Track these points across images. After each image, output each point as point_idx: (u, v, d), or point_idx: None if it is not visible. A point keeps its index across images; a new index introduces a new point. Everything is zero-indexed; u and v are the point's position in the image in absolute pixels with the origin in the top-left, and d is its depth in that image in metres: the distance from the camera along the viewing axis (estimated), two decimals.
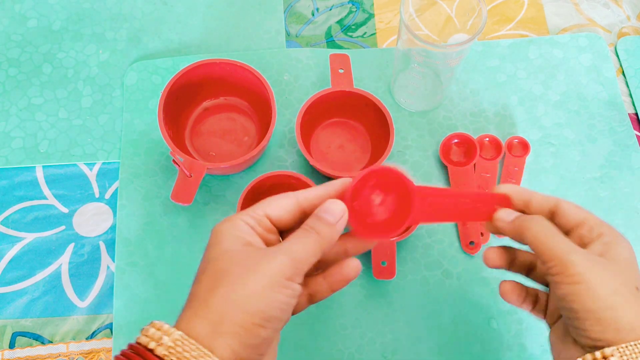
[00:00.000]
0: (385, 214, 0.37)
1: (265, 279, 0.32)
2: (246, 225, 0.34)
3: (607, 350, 0.32)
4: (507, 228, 0.38)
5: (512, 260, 0.41)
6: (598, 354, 0.32)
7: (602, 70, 0.64)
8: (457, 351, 0.53)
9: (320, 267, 0.38)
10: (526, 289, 0.41)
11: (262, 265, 0.32)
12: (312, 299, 0.38)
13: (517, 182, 0.58)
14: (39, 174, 0.59)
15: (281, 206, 0.35)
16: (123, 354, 0.32)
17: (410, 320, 0.54)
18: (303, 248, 0.33)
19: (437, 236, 0.56)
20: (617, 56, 0.65)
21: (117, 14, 0.66)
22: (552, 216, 0.37)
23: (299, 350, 0.53)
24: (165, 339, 0.32)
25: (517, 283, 0.40)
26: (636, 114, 0.62)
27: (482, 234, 0.56)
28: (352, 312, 0.54)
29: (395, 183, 0.37)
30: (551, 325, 0.39)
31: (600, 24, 0.67)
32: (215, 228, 0.35)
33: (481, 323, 0.54)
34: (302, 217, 0.36)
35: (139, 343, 0.32)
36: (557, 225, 0.37)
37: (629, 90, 0.63)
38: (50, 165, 0.59)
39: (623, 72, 0.64)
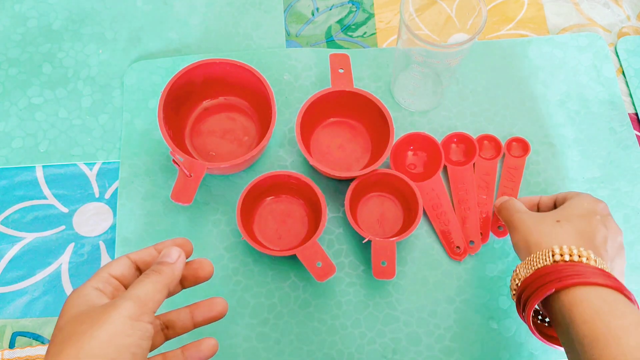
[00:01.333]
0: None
1: (111, 327, 0.32)
2: (95, 290, 0.36)
3: (517, 266, 0.45)
4: (496, 211, 0.53)
5: None
6: (513, 272, 0.45)
7: (602, 70, 0.64)
8: (457, 351, 0.53)
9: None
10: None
11: (106, 315, 0.33)
12: (169, 334, 0.41)
13: (517, 183, 0.58)
14: (39, 174, 0.59)
15: (119, 264, 0.38)
16: None
17: (410, 320, 0.54)
18: (145, 288, 0.35)
19: (437, 236, 0.56)
20: (617, 56, 0.65)
21: (117, 13, 0.66)
22: (555, 205, 0.51)
23: (299, 350, 0.53)
24: None
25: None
26: (636, 114, 0.62)
27: (481, 234, 0.56)
28: (352, 312, 0.54)
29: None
30: None
31: (600, 24, 0.67)
32: (65, 304, 0.36)
33: (481, 323, 0.54)
34: (138, 275, 0.39)
35: None
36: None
37: (629, 90, 0.63)
38: (50, 165, 0.59)
39: (623, 72, 0.64)
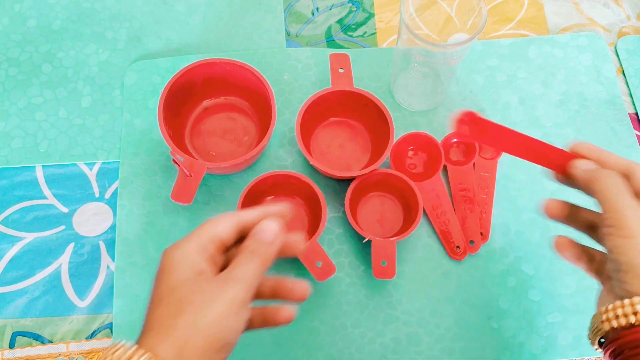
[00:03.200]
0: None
1: (224, 307, 0.34)
2: (196, 251, 0.36)
3: (636, 299, 0.33)
4: (581, 176, 0.39)
5: (571, 216, 0.42)
6: (627, 300, 0.34)
7: (602, 69, 0.64)
8: (457, 351, 0.53)
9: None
10: (581, 247, 0.41)
11: (219, 294, 0.34)
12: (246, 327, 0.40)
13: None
14: (39, 174, 0.59)
15: (224, 227, 0.38)
16: None
17: (410, 320, 0.54)
18: (250, 273, 0.36)
19: (437, 236, 0.56)
20: (617, 56, 0.65)
21: (117, 13, 0.66)
22: (625, 179, 0.38)
23: (299, 350, 0.53)
24: None
25: (572, 239, 0.42)
26: (636, 114, 0.62)
27: (481, 234, 0.56)
28: (352, 312, 0.54)
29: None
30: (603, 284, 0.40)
31: (601, 24, 0.67)
32: (166, 254, 0.37)
33: (481, 323, 0.54)
34: (241, 235, 0.39)
35: None
36: (634, 187, 0.37)
37: (629, 90, 0.63)
38: (50, 165, 0.59)
39: (623, 71, 0.64)
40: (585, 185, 0.39)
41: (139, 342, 0.34)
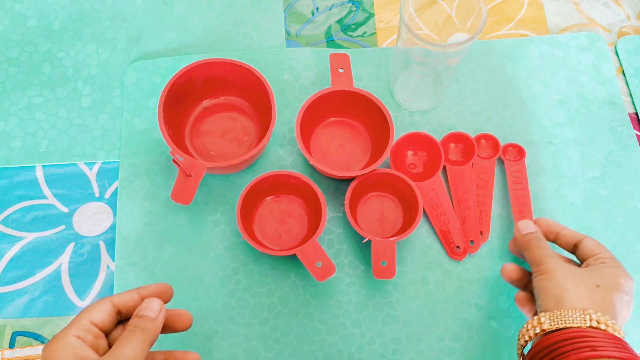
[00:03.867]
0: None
1: None
2: (77, 340, 0.37)
3: (541, 314, 0.42)
4: (519, 240, 0.50)
5: (522, 278, 0.50)
6: (535, 317, 0.43)
7: (602, 69, 0.64)
8: (457, 351, 0.53)
9: None
10: (522, 272, 0.50)
11: None
12: None
13: (525, 185, 0.58)
14: (39, 174, 0.59)
15: (101, 313, 0.39)
16: None
17: (410, 320, 0.54)
18: (134, 351, 0.36)
19: (437, 236, 0.56)
20: (617, 56, 0.65)
21: (117, 13, 0.66)
22: (574, 248, 0.49)
23: (299, 350, 0.53)
24: None
25: (518, 266, 0.51)
26: (636, 114, 0.62)
27: (481, 233, 0.56)
28: (352, 312, 0.54)
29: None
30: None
31: (601, 24, 0.67)
32: (46, 350, 0.37)
33: (481, 323, 0.54)
34: (120, 318, 0.40)
35: None
36: (577, 255, 0.49)
37: (629, 90, 0.63)
38: (50, 165, 0.59)
39: (623, 71, 0.64)
40: (521, 248, 0.50)
41: None
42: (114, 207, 0.58)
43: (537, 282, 0.45)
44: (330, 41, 0.65)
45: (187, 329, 0.42)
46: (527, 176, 0.58)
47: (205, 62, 0.56)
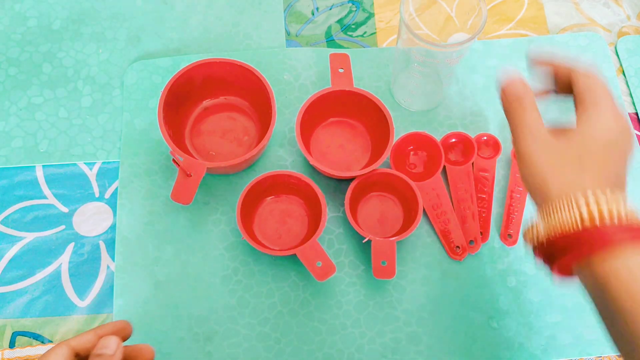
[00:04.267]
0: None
1: None
2: None
3: (536, 222, 0.38)
4: (501, 95, 0.43)
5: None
6: (534, 226, 0.38)
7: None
8: (457, 351, 0.53)
9: None
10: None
11: None
12: None
13: (525, 190, 0.58)
14: (39, 174, 0.59)
15: (58, 356, 0.38)
16: None
17: (410, 320, 0.54)
18: None
19: (437, 236, 0.56)
20: (617, 56, 0.65)
21: (117, 13, 0.66)
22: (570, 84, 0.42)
23: (299, 350, 0.53)
24: None
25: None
26: (636, 114, 0.62)
27: (481, 233, 0.56)
28: (352, 311, 0.54)
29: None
30: None
31: (601, 24, 0.67)
32: None
33: (481, 323, 0.54)
34: (82, 357, 0.39)
35: None
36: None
37: (629, 90, 0.63)
38: (50, 165, 0.59)
39: (623, 71, 0.64)
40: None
41: None
42: (114, 207, 0.58)
43: (520, 171, 0.40)
44: (330, 41, 0.65)
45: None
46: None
47: (205, 62, 0.56)
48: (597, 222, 0.35)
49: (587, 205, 0.35)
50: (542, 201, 0.38)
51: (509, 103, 0.41)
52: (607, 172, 0.37)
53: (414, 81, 0.59)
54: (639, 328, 0.33)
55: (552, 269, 0.38)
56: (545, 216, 0.37)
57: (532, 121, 0.40)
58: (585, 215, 0.35)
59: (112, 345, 0.38)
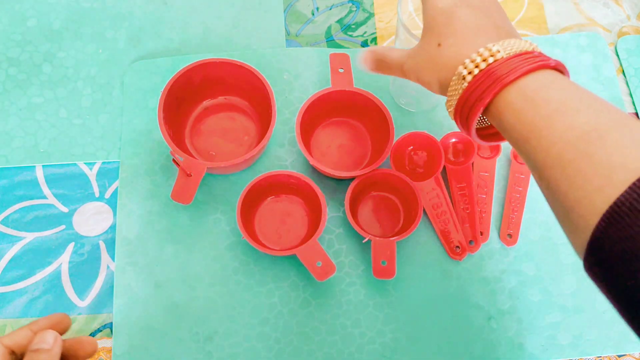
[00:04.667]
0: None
1: None
2: None
3: (493, 47, 0.36)
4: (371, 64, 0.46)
5: (381, 63, 0.46)
6: (485, 52, 0.36)
7: (602, 69, 0.64)
8: (457, 351, 0.53)
9: None
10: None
11: None
12: None
13: (525, 189, 0.58)
14: (39, 174, 0.59)
15: None
16: None
17: (410, 320, 0.54)
18: None
19: (437, 236, 0.56)
20: (617, 56, 0.65)
21: (117, 13, 0.66)
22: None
23: (299, 350, 0.53)
24: None
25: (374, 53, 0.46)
26: (636, 114, 0.62)
27: (481, 233, 0.56)
28: (352, 312, 0.54)
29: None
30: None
31: (601, 24, 0.67)
32: None
33: (481, 323, 0.54)
34: (17, 356, 0.38)
35: None
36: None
37: (629, 90, 0.63)
38: (50, 165, 0.59)
39: (623, 71, 0.64)
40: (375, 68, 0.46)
41: None
42: (114, 207, 0.58)
43: (422, 82, 0.41)
44: (330, 41, 0.65)
45: (92, 354, 0.40)
46: (530, 180, 0.58)
47: (205, 62, 0.56)
48: (476, 72, 0.36)
49: (480, 55, 0.36)
50: (442, 90, 0.39)
51: (375, 67, 0.45)
52: (476, 28, 0.38)
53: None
54: (530, 156, 0.34)
55: (471, 129, 0.38)
56: (452, 89, 0.38)
57: (395, 53, 0.43)
58: (468, 76, 0.36)
59: (48, 339, 0.37)
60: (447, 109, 0.40)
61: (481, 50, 0.36)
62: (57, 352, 0.37)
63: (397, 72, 0.44)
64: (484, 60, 0.36)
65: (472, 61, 0.36)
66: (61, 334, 0.38)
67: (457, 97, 0.37)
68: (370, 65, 0.46)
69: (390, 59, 0.44)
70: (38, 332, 0.38)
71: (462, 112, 0.38)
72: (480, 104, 0.36)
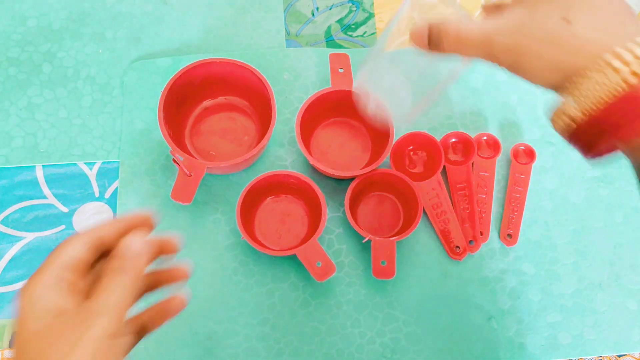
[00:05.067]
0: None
1: (88, 352, 0.29)
2: (51, 286, 0.32)
3: (563, 104, 0.29)
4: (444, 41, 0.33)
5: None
6: (558, 109, 0.29)
7: None
8: (457, 351, 0.53)
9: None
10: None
11: (79, 334, 0.29)
12: (142, 335, 0.36)
13: (525, 189, 0.58)
14: (39, 174, 0.59)
15: (78, 249, 0.33)
16: None
17: (410, 320, 0.54)
18: (116, 297, 0.31)
19: (437, 236, 0.56)
20: None
21: (117, 13, 0.66)
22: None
23: (299, 350, 0.53)
24: None
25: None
26: None
27: (481, 233, 0.56)
28: (352, 311, 0.54)
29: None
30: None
31: None
32: (21, 296, 0.32)
33: (481, 323, 0.54)
34: (103, 251, 0.34)
35: None
36: None
37: None
38: (50, 165, 0.59)
39: None
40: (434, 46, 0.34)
41: None
42: (114, 207, 0.58)
43: (520, 66, 0.31)
44: (330, 41, 0.65)
45: (187, 278, 0.36)
46: (530, 180, 0.58)
47: (205, 62, 0.56)
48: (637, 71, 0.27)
49: (625, 62, 0.27)
50: (560, 80, 0.29)
51: (437, 45, 0.34)
52: (614, 14, 0.29)
53: None
54: None
55: (593, 152, 0.29)
56: (576, 90, 0.29)
57: (473, 26, 0.32)
58: (626, 73, 0.27)
59: (135, 244, 0.32)
60: (562, 113, 0.30)
61: (631, 45, 0.27)
62: (143, 261, 0.32)
63: (477, 51, 0.32)
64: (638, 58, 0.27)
65: (630, 52, 0.27)
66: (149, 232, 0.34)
67: (597, 100, 0.28)
68: (429, 43, 0.34)
69: (468, 34, 0.32)
70: (127, 230, 0.33)
71: (600, 124, 0.28)
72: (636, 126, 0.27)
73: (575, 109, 0.29)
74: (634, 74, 0.27)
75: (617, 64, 0.27)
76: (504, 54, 0.31)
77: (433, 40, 0.34)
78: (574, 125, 0.29)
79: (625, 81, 0.27)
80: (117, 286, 0.31)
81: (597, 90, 0.28)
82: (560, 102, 0.30)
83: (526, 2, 0.31)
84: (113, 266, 0.32)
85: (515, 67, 0.31)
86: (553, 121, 0.31)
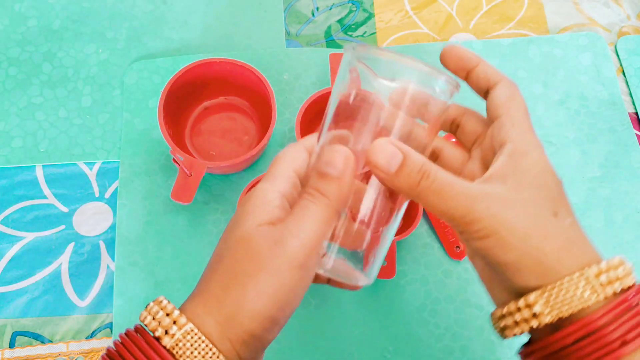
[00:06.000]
0: None
1: (276, 278, 0.28)
2: (281, 197, 0.30)
3: (531, 298, 0.28)
4: (396, 183, 0.30)
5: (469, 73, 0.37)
6: (521, 302, 0.28)
7: (602, 69, 0.64)
8: (457, 351, 0.53)
9: None
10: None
11: (273, 259, 0.28)
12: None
13: None
14: (39, 173, 0.59)
15: (301, 160, 0.31)
16: (117, 344, 0.31)
17: (410, 320, 0.54)
18: (312, 224, 0.28)
19: (437, 236, 0.56)
20: (617, 55, 0.65)
21: (117, 13, 0.66)
22: (486, 94, 0.36)
23: (299, 350, 0.53)
24: (175, 329, 0.29)
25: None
26: (636, 114, 0.62)
27: None
28: (352, 311, 0.54)
29: None
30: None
31: (601, 23, 0.67)
32: (247, 202, 0.30)
33: (481, 323, 0.54)
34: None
35: (140, 327, 0.30)
36: (487, 106, 0.34)
37: (629, 90, 0.63)
38: (50, 165, 0.59)
39: (623, 71, 0.64)
40: (411, 195, 0.30)
41: (186, 305, 0.31)
42: (114, 207, 0.58)
43: (478, 249, 0.29)
44: (330, 41, 0.65)
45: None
46: None
47: (205, 62, 0.56)
48: (617, 290, 0.28)
49: (604, 275, 0.29)
50: (537, 283, 0.29)
51: (418, 187, 0.29)
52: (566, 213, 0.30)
53: None
54: None
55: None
56: (551, 298, 0.28)
57: (458, 183, 0.30)
58: (608, 288, 0.28)
59: (338, 160, 0.28)
60: (524, 310, 0.29)
61: (604, 265, 0.29)
62: (347, 182, 0.29)
63: (454, 212, 0.29)
64: (611, 283, 0.28)
65: (615, 278, 0.29)
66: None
67: (570, 310, 0.28)
68: (397, 172, 0.30)
69: (452, 194, 0.29)
70: (330, 143, 0.30)
71: (570, 334, 0.27)
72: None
73: (551, 310, 0.28)
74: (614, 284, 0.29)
75: (583, 285, 0.28)
76: (483, 222, 0.29)
77: (407, 174, 0.29)
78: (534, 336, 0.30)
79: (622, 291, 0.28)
80: (312, 212, 0.29)
81: (575, 293, 0.28)
82: (511, 305, 0.30)
83: (516, 184, 0.30)
84: (311, 186, 0.29)
85: (494, 253, 0.29)
86: (504, 327, 0.30)
